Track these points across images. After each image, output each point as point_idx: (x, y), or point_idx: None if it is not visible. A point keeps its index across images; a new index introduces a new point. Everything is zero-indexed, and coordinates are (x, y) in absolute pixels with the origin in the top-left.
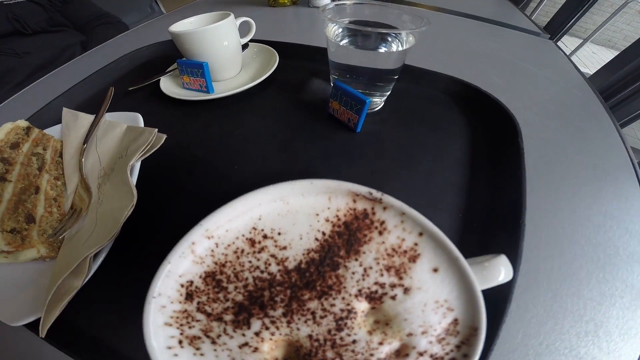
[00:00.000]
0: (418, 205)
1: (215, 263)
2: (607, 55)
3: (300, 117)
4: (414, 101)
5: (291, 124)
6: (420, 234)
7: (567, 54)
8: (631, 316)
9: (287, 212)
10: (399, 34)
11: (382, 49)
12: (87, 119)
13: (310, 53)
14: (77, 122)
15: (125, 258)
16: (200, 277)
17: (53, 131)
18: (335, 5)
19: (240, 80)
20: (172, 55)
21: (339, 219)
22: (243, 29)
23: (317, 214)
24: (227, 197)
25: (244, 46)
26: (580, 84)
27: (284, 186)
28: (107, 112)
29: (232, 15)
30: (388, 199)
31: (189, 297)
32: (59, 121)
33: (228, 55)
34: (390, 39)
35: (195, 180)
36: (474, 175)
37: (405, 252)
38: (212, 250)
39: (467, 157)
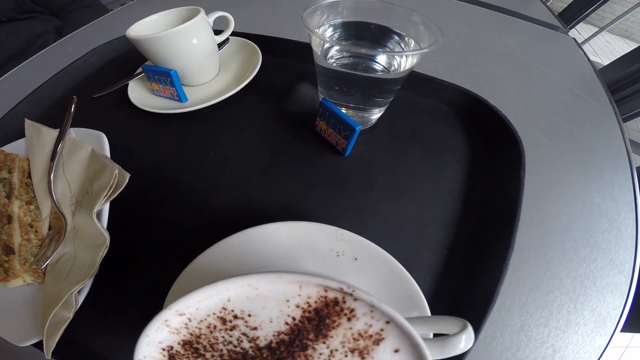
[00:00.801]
0: (402, 242)
1: (191, 334)
2: (620, 45)
3: (283, 134)
4: (411, 116)
5: (274, 143)
6: (388, 322)
7: (580, 42)
8: (589, 342)
9: (257, 296)
10: (406, 45)
11: (381, 65)
12: (50, 134)
13: (299, 50)
14: (40, 138)
15: (115, 283)
16: (179, 343)
17: (16, 147)
18: (326, 3)
19: (218, 85)
20: None
21: (309, 305)
22: (221, 24)
23: (288, 300)
24: (205, 232)
25: (224, 41)
26: (596, 91)
27: (251, 277)
28: (70, 126)
29: (202, 13)
30: (359, 293)
31: (171, 358)
32: (20, 133)
33: (200, 60)
34: (392, 46)
35: (169, 211)
36: (466, 209)
37: (371, 336)
38: (186, 324)
39: (461, 189)
